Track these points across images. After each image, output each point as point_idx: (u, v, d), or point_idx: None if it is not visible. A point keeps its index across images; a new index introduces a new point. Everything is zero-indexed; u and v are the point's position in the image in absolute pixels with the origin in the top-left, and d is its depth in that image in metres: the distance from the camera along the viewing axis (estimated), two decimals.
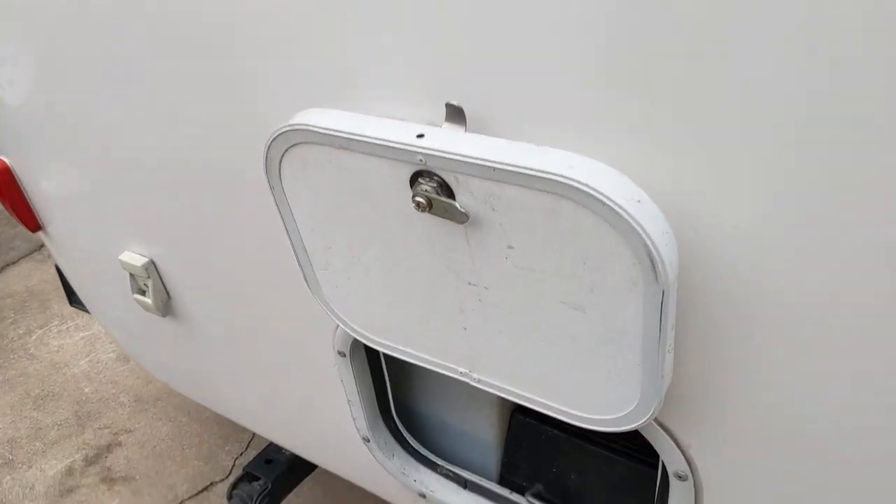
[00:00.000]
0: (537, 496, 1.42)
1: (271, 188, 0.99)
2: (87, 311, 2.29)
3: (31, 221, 1.72)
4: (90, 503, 2.71)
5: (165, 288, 1.57)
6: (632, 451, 1.38)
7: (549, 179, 0.73)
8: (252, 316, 1.47)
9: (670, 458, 1.01)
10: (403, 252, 0.94)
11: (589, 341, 0.86)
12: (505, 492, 1.44)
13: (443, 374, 1.40)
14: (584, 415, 0.96)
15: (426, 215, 0.85)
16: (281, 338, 1.46)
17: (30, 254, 4.23)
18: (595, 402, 0.93)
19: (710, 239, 0.78)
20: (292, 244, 1.07)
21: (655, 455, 1.38)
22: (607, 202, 0.71)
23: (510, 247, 0.83)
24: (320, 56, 0.95)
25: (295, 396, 1.60)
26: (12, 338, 3.63)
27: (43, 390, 3.31)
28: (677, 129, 0.74)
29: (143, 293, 1.58)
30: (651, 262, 0.73)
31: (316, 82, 0.98)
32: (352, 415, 1.45)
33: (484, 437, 1.52)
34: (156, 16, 1.09)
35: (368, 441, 1.48)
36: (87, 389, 3.31)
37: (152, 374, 2.26)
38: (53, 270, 2.47)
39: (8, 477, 2.85)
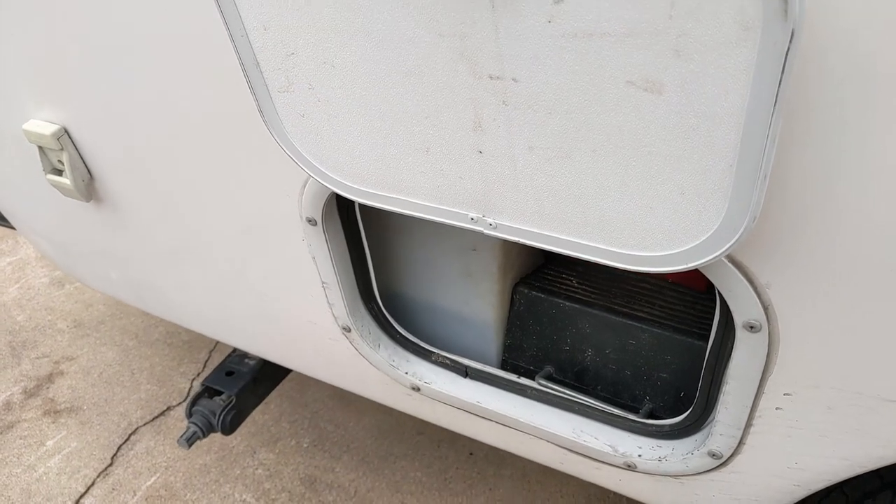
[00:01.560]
0: (549, 378, 1.23)
1: None
2: (8, 226, 1.97)
3: None
4: (35, 438, 2.45)
5: (85, 164, 1.28)
6: (659, 319, 1.19)
7: None
8: (194, 190, 1.20)
9: (742, 303, 0.81)
10: (395, 39, 0.69)
11: (662, 139, 0.63)
12: (511, 377, 1.24)
13: (433, 248, 1.18)
14: (643, 253, 0.74)
15: None
16: (233, 213, 1.20)
17: None
18: (659, 232, 0.71)
19: None
20: (240, 57, 0.80)
21: (689, 321, 1.19)
22: None
23: (556, 2, 0.59)
24: None
25: (257, 288, 1.35)
26: None
27: None
28: None
29: (59, 173, 1.29)
30: None
31: None
32: (328, 300, 1.22)
33: (482, 318, 1.31)
34: None
35: (349, 331, 1.25)
36: (19, 318, 3.01)
37: (90, 286, 1.98)
38: None
39: None
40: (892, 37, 0.57)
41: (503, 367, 1.35)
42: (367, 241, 1.20)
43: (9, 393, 2.64)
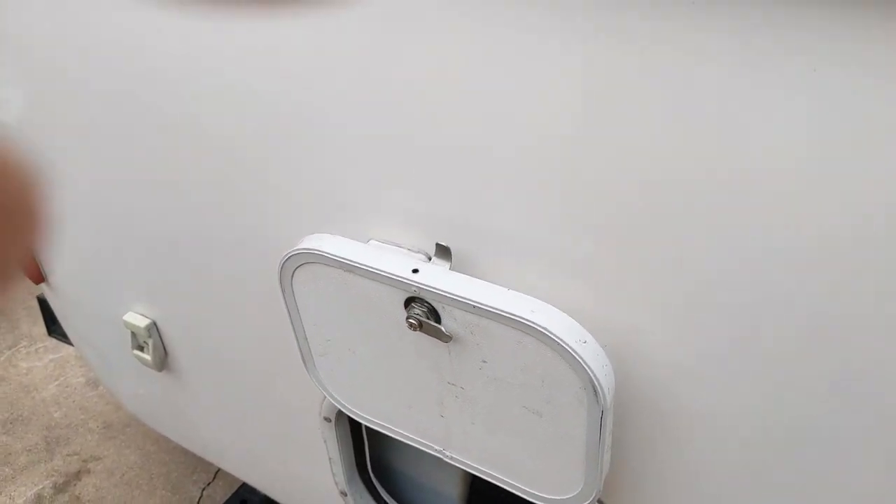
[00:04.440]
0: None
1: (283, 292, 1.17)
2: (69, 343, 2.40)
3: (36, 275, 1.85)
4: None
5: (164, 346, 1.72)
6: None
7: (516, 320, 0.93)
8: (245, 378, 1.64)
9: None
10: (394, 354, 1.13)
11: (543, 438, 1.06)
12: None
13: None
14: (540, 493, 1.15)
15: (416, 332, 1.04)
16: (270, 400, 1.63)
17: None
18: (548, 484, 1.13)
19: (643, 368, 0.99)
20: (295, 334, 1.24)
21: None
22: (561, 343, 0.92)
23: (484, 361, 1.03)
24: (335, 188, 1.14)
25: (277, 449, 1.76)
26: None
27: (12, 414, 3.37)
28: (621, 277, 0.95)
29: (141, 349, 1.73)
30: (594, 390, 0.93)
31: (329, 205, 1.17)
32: (332, 471, 1.62)
33: (449, 492, 1.70)
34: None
35: (346, 495, 1.65)
36: (56, 414, 3.37)
37: (123, 406, 2.37)
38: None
39: None
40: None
41: None
42: (366, 431, 1.62)
43: (41, 486, 2.99)
